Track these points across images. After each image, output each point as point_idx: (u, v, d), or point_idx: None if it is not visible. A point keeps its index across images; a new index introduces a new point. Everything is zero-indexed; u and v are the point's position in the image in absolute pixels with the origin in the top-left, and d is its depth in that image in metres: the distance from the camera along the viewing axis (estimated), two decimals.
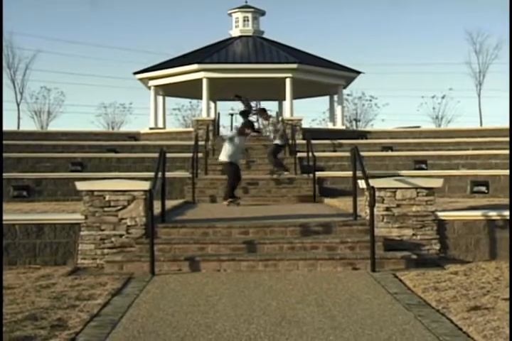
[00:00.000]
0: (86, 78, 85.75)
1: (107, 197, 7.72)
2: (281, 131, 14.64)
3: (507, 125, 21.31)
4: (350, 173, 9.17)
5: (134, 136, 21.66)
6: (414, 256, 7.25)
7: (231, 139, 11.16)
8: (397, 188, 7.81)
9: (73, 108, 77.10)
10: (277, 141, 14.36)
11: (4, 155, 14.83)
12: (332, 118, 25.71)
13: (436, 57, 78.98)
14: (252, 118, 20.15)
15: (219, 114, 23.74)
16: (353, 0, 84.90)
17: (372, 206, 7.16)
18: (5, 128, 18.96)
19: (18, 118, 45.17)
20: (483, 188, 13.23)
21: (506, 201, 11.18)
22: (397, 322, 4.77)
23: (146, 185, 7.65)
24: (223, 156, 11.13)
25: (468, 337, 4.38)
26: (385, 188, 7.79)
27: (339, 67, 23.89)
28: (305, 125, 21.54)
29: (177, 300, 5.62)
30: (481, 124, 43.27)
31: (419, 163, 15.58)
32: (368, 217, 7.44)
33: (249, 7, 25.11)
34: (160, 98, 24.93)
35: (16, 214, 8.80)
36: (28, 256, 7.70)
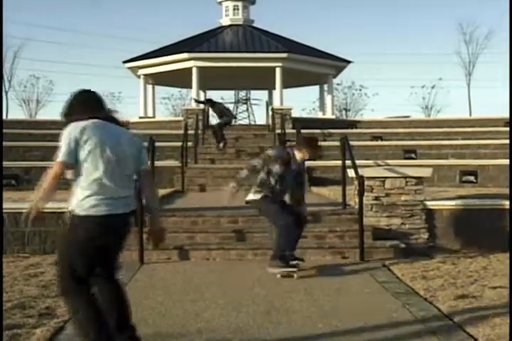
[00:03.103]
0: (75, 67, 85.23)
1: None
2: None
3: (496, 115, 21.37)
4: (339, 162, 9.18)
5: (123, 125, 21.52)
6: (403, 245, 7.29)
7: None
8: (386, 177, 7.83)
9: (62, 97, 76.52)
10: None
11: None
12: (322, 107, 25.67)
13: (426, 47, 79.17)
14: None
15: None
16: None
17: (361, 195, 7.17)
18: None
19: (7, 106, 45.03)
20: (472, 178, 13.29)
21: (495, 190, 11.25)
22: (385, 311, 4.80)
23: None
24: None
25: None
26: (374, 177, 7.81)
27: (329, 56, 23.85)
28: (295, 114, 21.46)
29: (166, 288, 5.63)
30: (471, 114, 43.40)
31: (409, 153, 15.59)
32: (356, 206, 7.45)
33: None
34: (149, 87, 24.81)
35: (5, 202, 8.73)
36: (17, 244, 7.68)
